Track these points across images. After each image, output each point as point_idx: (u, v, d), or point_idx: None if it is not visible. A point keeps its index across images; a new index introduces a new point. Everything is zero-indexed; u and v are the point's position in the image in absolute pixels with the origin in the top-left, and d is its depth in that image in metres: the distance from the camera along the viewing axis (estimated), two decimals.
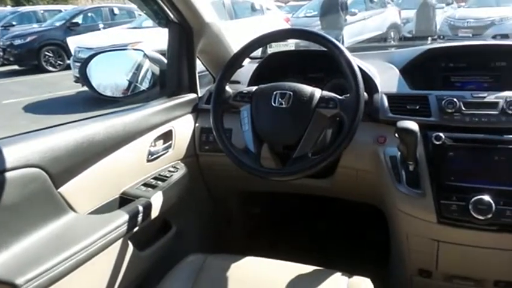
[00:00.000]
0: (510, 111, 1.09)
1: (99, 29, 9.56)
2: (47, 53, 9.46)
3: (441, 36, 8.35)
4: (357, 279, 1.04)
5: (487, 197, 1.03)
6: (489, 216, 1.02)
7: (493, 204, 1.02)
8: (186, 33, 1.40)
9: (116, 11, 10.72)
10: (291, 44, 2.09)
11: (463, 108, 1.13)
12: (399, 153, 1.14)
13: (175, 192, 1.28)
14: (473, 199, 1.04)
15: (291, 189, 1.51)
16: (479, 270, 1.17)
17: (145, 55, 1.48)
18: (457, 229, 1.08)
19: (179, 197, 1.31)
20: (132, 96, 1.45)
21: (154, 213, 1.16)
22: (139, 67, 1.49)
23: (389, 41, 9.26)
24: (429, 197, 1.09)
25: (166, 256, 1.27)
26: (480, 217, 1.03)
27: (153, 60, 1.48)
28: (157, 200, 1.17)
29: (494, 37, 7.42)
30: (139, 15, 8.76)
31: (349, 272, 1.07)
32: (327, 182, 1.35)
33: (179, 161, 1.39)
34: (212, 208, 1.68)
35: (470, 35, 8.08)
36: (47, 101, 6.78)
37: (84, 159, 1.03)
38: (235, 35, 1.59)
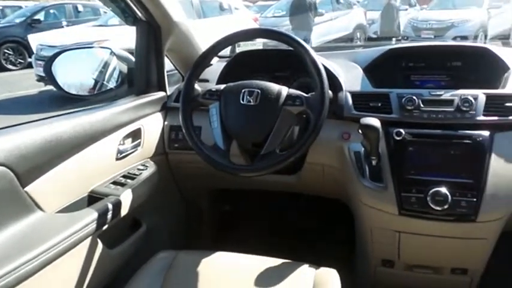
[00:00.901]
0: (464, 108, 1.15)
1: (62, 27, 9.26)
2: (6, 51, 9.06)
3: (405, 37, 8.62)
4: (323, 270, 1.08)
5: (443, 189, 1.09)
6: (446, 207, 1.08)
7: (449, 196, 1.08)
8: (154, 32, 1.40)
9: (80, 8, 10.41)
10: (258, 44, 2.12)
11: (422, 106, 1.19)
12: (363, 148, 1.19)
13: (144, 190, 1.28)
14: (431, 191, 1.10)
15: (259, 186, 1.54)
16: (437, 259, 1.24)
17: (112, 53, 1.46)
18: (417, 220, 1.14)
19: (149, 195, 1.31)
20: (99, 95, 1.43)
21: (124, 211, 1.16)
22: (106, 65, 1.48)
23: (355, 42, 9.47)
24: (391, 190, 1.15)
25: (137, 254, 1.27)
26: (437, 208, 1.09)
27: (120, 58, 1.47)
28: (126, 198, 1.17)
29: (454, 38, 7.72)
30: (105, 12, 8.55)
31: (317, 264, 1.11)
32: (295, 178, 1.39)
33: (148, 159, 1.39)
34: (183, 206, 1.69)
35: (432, 37, 8.35)
36: (6, 100, 6.51)
37: (51, 157, 1.02)
38: (204, 34, 1.60)
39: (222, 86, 1.20)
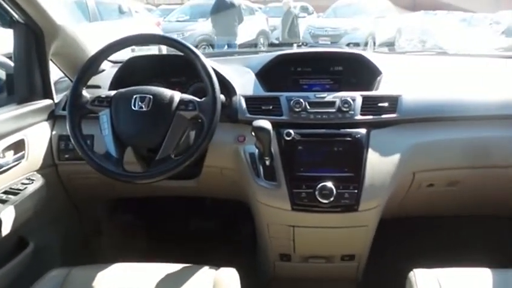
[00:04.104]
0: (344, 109, 1.27)
1: None
2: None
3: (304, 43, 9.10)
4: (223, 270, 1.10)
5: (329, 184, 1.18)
6: (331, 199, 1.17)
7: (334, 189, 1.18)
8: (35, 35, 1.31)
9: None
10: (156, 49, 2.10)
11: (308, 107, 1.28)
12: (257, 150, 1.24)
13: (30, 206, 1.19)
14: (318, 186, 1.18)
15: (160, 193, 1.52)
16: (328, 248, 1.34)
17: None
18: (308, 213, 1.22)
19: (36, 210, 1.22)
20: None
21: (6, 230, 1.07)
22: None
23: (259, 47, 9.73)
24: (283, 188, 1.21)
25: (24, 275, 1.17)
26: (325, 201, 1.18)
27: None
28: (8, 216, 1.08)
29: (348, 45, 8.35)
30: None
31: (218, 265, 1.13)
32: (194, 182, 1.40)
33: (35, 172, 1.29)
34: (78, 219, 1.60)
35: (329, 43, 8.92)
36: None
37: None
38: (100, 38, 1.53)
39: (113, 92, 1.17)
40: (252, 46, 9.41)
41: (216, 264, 1.13)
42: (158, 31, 7.34)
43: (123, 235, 1.79)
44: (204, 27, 7.94)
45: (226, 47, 6.70)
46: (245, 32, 9.09)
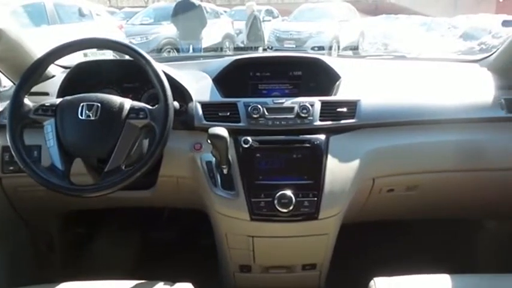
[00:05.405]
0: (303, 115, 1.24)
1: None
2: None
3: (270, 47, 9.14)
4: (178, 286, 1.05)
5: (288, 192, 1.15)
6: (291, 208, 1.15)
7: (293, 198, 1.15)
8: None
9: None
10: (109, 53, 2.01)
11: (266, 113, 1.25)
12: (214, 158, 1.20)
13: None
14: (277, 195, 1.15)
15: (114, 204, 1.45)
16: (289, 258, 1.31)
17: None
18: (267, 223, 1.18)
19: None
20: None
21: None
22: None
23: (225, 51, 9.69)
24: (242, 197, 1.18)
25: None
26: (284, 210, 1.15)
27: None
28: None
29: (313, 48, 8.44)
30: None
31: (175, 279, 1.08)
32: (149, 192, 1.34)
33: None
34: (26, 233, 1.50)
35: (294, 46, 9.00)
36: None
37: None
38: (56, 42, 1.45)
39: (58, 100, 1.11)
40: (217, 50, 9.34)
41: (174, 278, 1.08)
42: (121, 34, 7.17)
43: (76, 250, 1.70)
44: (168, 30, 7.81)
45: (191, 50, 6.60)
46: (210, 36, 9.02)
